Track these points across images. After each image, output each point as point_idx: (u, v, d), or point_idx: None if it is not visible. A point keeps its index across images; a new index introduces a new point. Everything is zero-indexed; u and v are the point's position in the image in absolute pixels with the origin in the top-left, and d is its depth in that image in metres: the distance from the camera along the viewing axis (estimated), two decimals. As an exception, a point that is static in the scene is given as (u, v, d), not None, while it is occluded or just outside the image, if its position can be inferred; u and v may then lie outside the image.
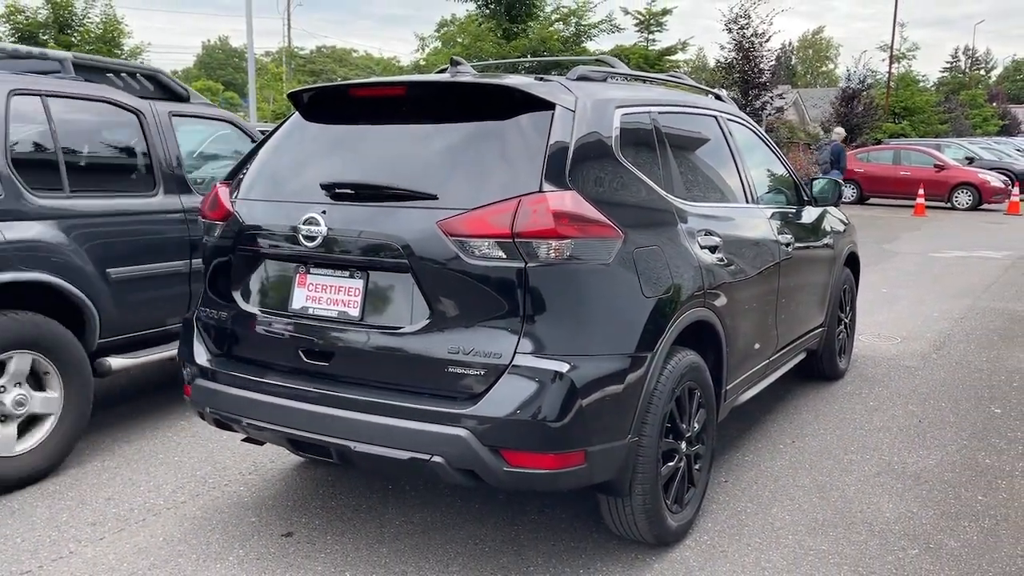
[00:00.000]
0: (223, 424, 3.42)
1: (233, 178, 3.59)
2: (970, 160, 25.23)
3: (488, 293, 2.88)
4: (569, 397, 2.84)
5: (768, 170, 5.01)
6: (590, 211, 2.97)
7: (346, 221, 3.07)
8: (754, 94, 22.02)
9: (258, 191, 3.41)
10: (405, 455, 2.91)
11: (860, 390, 5.72)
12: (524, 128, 3.05)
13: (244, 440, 3.66)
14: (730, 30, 21.81)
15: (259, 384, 3.25)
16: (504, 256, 2.84)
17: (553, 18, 19.22)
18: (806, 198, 5.29)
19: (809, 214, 5.23)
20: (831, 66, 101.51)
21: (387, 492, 4.03)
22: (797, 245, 4.76)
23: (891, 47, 37.86)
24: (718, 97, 4.82)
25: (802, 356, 5.29)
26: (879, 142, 27.02)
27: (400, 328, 2.99)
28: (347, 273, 3.12)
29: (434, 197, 2.97)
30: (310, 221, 3.10)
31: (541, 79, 3.29)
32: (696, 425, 3.56)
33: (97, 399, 5.45)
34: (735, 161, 4.41)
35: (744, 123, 4.78)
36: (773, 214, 4.62)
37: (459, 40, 20.14)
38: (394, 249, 2.97)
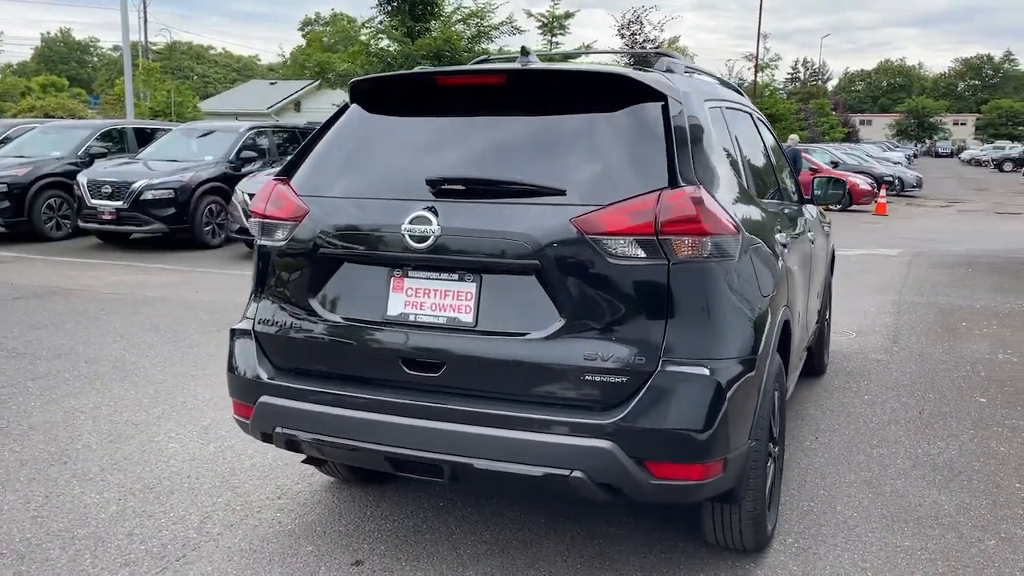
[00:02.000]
0: (295, 445, 3.07)
1: (289, 174, 3.24)
2: (835, 164, 26.76)
3: (627, 294, 2.69)
4: (715, 403, 2.69)
5: (780, 167, 5.03)
6: (717, 207, 2.84)
7: (463, 220, 2.80)
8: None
9: (336, 188, 3.08)
10: (539, 471, 2.68)
11: (847, 384, 5.86)
12: (641, 119, 2.88)
13: (304, 461, 3.32)
14: (623, 35, 22.26)
15: (346, 399, 2.93)
16: (644, 255, 2.67)
17: (454, 19, 19.05)
18: (807, 196, 5.36)
19: (812, 211, 5.29)
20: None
21: (440, 510, 3.76)
22: (815, 242, 4.80)
23: (756, 57, 39.76)
24: (740, 93, 4.79)
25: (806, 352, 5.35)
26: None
27: (526, 334, 2.75)
28: (456, 276, 2.85)
29: (562, 192, 2.75)
30: (419, 220, 2.81)
31: (642, 69, 3.13)
32: (777, 427, 3.50)
33: (57, 420, 4.89)
34: (771, 158, 4.39)
35: (764, 121, 4.78)
36: (799, 212, 4.64)
37: (361, 38, 19.60)
38: (520, 249, 2.72)
